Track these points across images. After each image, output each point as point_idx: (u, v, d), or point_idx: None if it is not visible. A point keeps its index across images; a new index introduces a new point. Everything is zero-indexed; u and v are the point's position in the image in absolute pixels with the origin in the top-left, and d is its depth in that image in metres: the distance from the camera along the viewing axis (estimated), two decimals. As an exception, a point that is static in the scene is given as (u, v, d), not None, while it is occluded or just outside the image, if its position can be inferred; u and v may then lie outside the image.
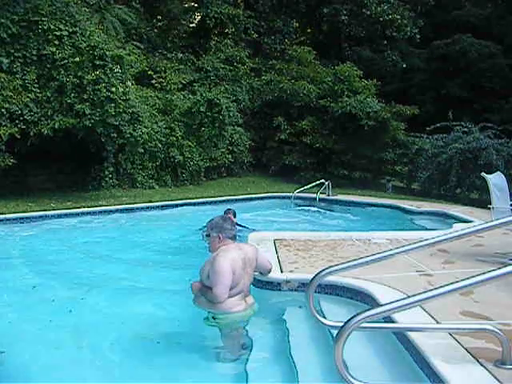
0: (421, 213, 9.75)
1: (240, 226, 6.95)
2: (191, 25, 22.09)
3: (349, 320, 2.19)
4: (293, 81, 17.16)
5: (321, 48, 21.49)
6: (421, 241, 2.98)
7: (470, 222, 7.60)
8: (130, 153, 12.87)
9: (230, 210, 6.98)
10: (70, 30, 10.59)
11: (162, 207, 10.52)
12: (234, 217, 6.83)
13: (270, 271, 4.16)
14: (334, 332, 2.57)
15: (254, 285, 4.06)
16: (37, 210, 9.13)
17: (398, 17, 22.83)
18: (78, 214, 9.28)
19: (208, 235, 3.80)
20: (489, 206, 6.11)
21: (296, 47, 19.79)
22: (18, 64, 10.22)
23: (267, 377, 3.07)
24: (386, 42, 24.16)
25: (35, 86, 10.22)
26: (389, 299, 2.62)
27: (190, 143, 14.63)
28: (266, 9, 21.99)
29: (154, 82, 15.99)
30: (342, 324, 2.23)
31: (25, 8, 10.44)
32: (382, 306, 2.38)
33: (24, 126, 10.01)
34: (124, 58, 10.72)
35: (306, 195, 11.79)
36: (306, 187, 11.87)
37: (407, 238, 5.63)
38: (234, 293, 3.60)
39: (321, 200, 11.43)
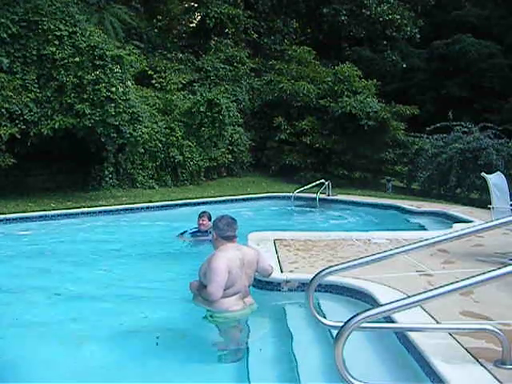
0: (421, 213, 9.74)
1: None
2: (191, 25, 22.10)
3: (349, 320, 2.19)
4: (293, 81, 17.15)
5: (321, 48, 21.47)
6: (421, 241, 2.98)
7: (470, 221, 7.59)
8: (130, 153, 12.87)
9: (204, 212, 6.85)
10: (70, 30, 10.58)
11: (162, 207, 10.52)
12: (210, 220, 6.65)
13: (270, 275, 4.17)
14: (334, 332, 2.57)
15: (254, 285, 4.06)
16: (37, 210, 9.13)
17: (398, 17, 22.83)
18: (77, 214, 9.28)
19: (210, 232, 3.90)
20: (489, 206, 6.11)
21: (296, 47, 19.77)
22: (18, 64, 10.21)
23: (267, 376, 3.06)
24: (385, 42, 24.16)
25: (35, 86, 10.22)
26: (389, 299, 2.62)
27: (190, 143, 14.63)
28: (266, 9, 21.98)
29: (154, 81, 15.98)
30: (342, 324, 2.23)
31: (25, 8, 10.43)
32: (382, 305, 2.38)
33: (24, 126, 10.00)
34: (124, 58, 10.71)
35: (306, 195, 11.78)
36: (306, 187, 11.86)
37: (407, 238, 5.64)
38: (231, 292, 3.60)
39: (321, 200, 11.43)
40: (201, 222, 6.76)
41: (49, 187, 11.99)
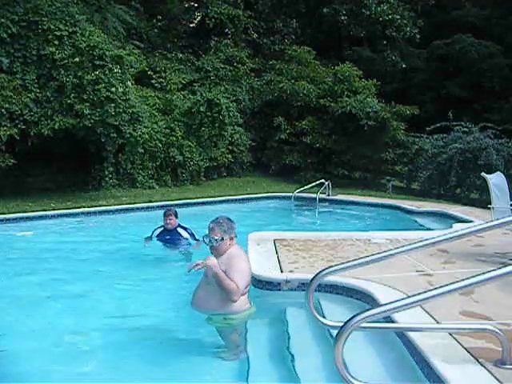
0: (421, 213, 9.75)
1: (183, 228, 6.43)
2: (191, 25, 22.10)
3: (349, 320, 2.19)
4: (293, 81, 17.15)
5: (321, 48, 21.48)
6: (421, 241, 2.97)
7: (470, 221, 7.60)
8: (130, 153, 12.87)
9: (170, 210, 6.51)
10: (70, 30, 10.59)
11: (162, 207, 10.50)
12: (176, 217, 6.43)
13: None
14: (334, 332, 2.57)
15: (255, 285, 4.06)
16: (37, 210, 9.13)
17: (398, 17, 22.83)
18: (77, 214, 9.28)
19: (222, 239, 3.55)
20: (489, 206, 6.12)
21: (296, 47, 19.79)
22: (18, 64, 10.23)
23: (267, 376, 3.06)
24: (385, 42, 24.17)
25: (35, 86, 10.23)
26: (389, 299, 2.61)
27: (190, 143, 14.63)
28: (266, 9, 21.99)
29: (154, 81, 15.99)
30: (342, 324, 2.23)
31: (25, 8, 10.45)
32: (382, 305, 2.38)
33: (24, 126, 10.02)
34: (124, 57, 10.72)
35: (306, 195, 11.78)
36: (306, 187, 11.86)
37: (407, 238, 5.63)
38: (245, 292, 3.60)
39: (321, 200, 11.43)
40: (167, 220, 6.36)
41: (49, 187, 12.00)
